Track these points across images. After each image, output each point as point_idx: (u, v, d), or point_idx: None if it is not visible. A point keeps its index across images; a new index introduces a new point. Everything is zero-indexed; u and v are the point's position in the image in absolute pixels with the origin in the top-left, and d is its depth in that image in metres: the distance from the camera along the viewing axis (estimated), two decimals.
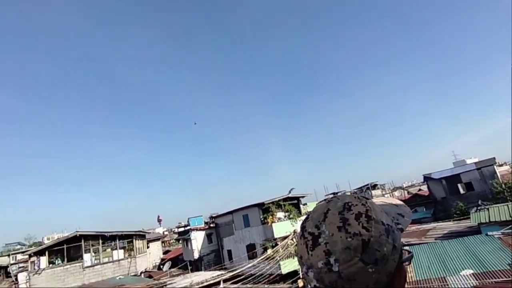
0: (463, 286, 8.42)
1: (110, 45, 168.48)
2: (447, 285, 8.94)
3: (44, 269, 22.49)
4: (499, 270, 8.85)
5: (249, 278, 20.03)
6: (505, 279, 7.33)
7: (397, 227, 0.72)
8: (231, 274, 19.40)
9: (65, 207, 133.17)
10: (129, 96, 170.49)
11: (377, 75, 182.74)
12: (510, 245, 10.59)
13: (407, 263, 0.77)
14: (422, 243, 14.54)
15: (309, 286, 0.66)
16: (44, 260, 22.83)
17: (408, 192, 42.72)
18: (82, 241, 23.90)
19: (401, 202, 0.87)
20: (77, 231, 24.16)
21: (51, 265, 22.96)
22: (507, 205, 16.46)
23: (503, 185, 25.49)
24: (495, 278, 8.27)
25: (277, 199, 26.24)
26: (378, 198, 0.87)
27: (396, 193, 43.57)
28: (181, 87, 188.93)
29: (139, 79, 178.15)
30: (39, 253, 23.17)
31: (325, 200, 0.76)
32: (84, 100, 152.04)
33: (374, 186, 43.26)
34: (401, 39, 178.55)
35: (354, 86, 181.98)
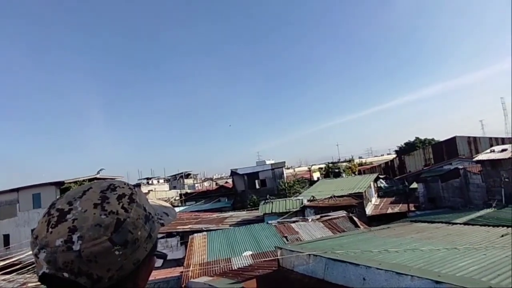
0: (241, 265, 10.02)
1: None
2: (230, 264, 10.47)
3: None
4: (269, 251, 10.88)
5: (29, 267, 17.17)
6: (271, 258, 9.21)
7: (159, 220, 0.73)
8: (3, 263, 16.05)
9: None
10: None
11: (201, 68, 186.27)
12: (281, 231, 13.40)
13: (159, 260, 0.80)
14: (219, 229, 16.06)
15: (39, 273, 0.56)
16: None
17: (216, 184, 46.74)
18: None
19: (171, 206, 0.89)
20: None
21: None
22: (285, 200, 20.80)
23: (286, 184, 31.94)
24: (266, 258, 10.20)
25: (81, 179, 23.82)
26: (152, 199, 0.82)
27: (206, 184, 46.88)
28: None
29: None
30: None
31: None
32: None
33: (188, 175, 44.97)
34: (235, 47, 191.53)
35: (181, 75, 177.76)
